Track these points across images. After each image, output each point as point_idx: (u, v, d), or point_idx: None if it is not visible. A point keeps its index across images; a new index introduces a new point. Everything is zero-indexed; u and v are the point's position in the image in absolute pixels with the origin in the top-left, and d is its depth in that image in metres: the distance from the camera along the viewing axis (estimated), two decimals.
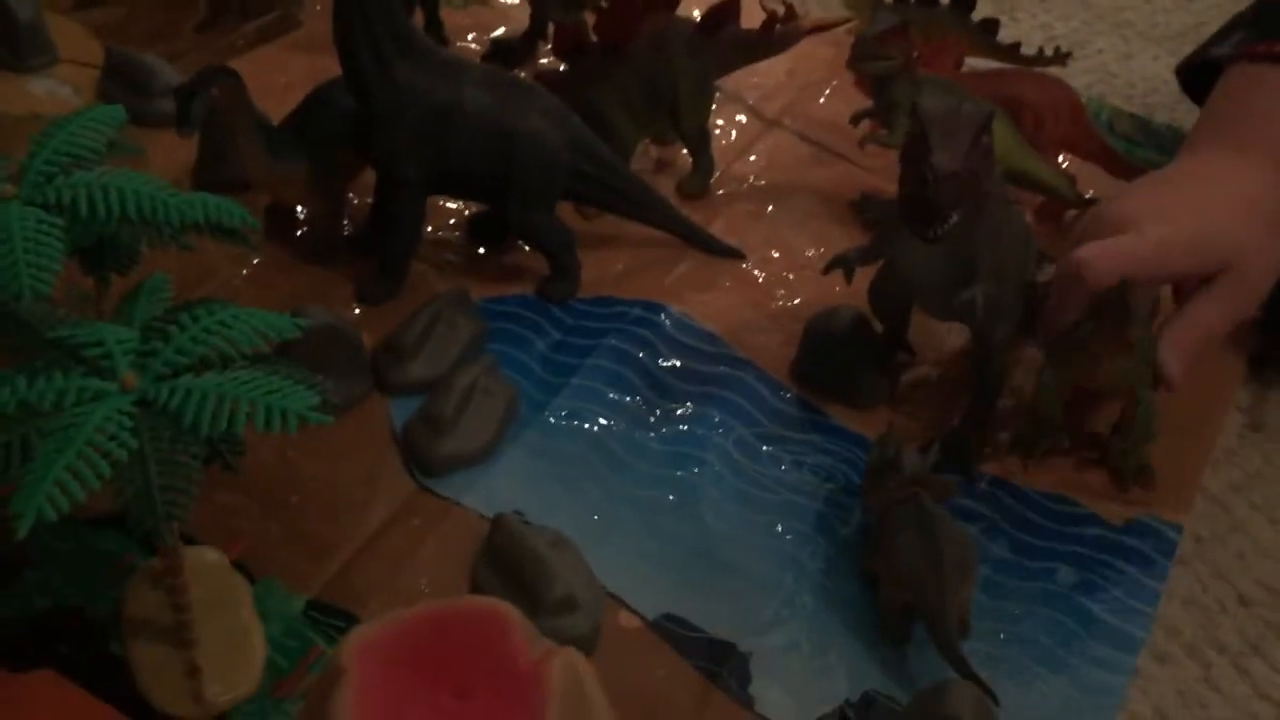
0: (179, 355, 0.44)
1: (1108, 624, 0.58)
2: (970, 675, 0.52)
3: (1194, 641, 0.59)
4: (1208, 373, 0.68)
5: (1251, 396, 0.73)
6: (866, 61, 0.76)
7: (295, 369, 0.47)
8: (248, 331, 0.46)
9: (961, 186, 0.54)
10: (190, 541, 0.58)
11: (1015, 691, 0.55)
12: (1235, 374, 0.74)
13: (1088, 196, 0.81)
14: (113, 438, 0.40)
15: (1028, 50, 0.89)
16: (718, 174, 0.86)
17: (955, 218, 0.55)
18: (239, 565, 0.57)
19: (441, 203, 0.80)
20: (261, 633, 0.55)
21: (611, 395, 0.68)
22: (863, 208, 0.83)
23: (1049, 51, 0.89)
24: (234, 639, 0.54)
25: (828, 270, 0.65)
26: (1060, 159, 0.84)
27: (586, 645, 0.55)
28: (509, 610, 0.41)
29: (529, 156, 0.70)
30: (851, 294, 0.69)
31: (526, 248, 0.77)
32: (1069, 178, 0.80)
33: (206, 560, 0.57)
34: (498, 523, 0.58)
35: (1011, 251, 0.63)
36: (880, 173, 0.86)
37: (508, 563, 0.56)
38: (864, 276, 0.68)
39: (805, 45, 0.86)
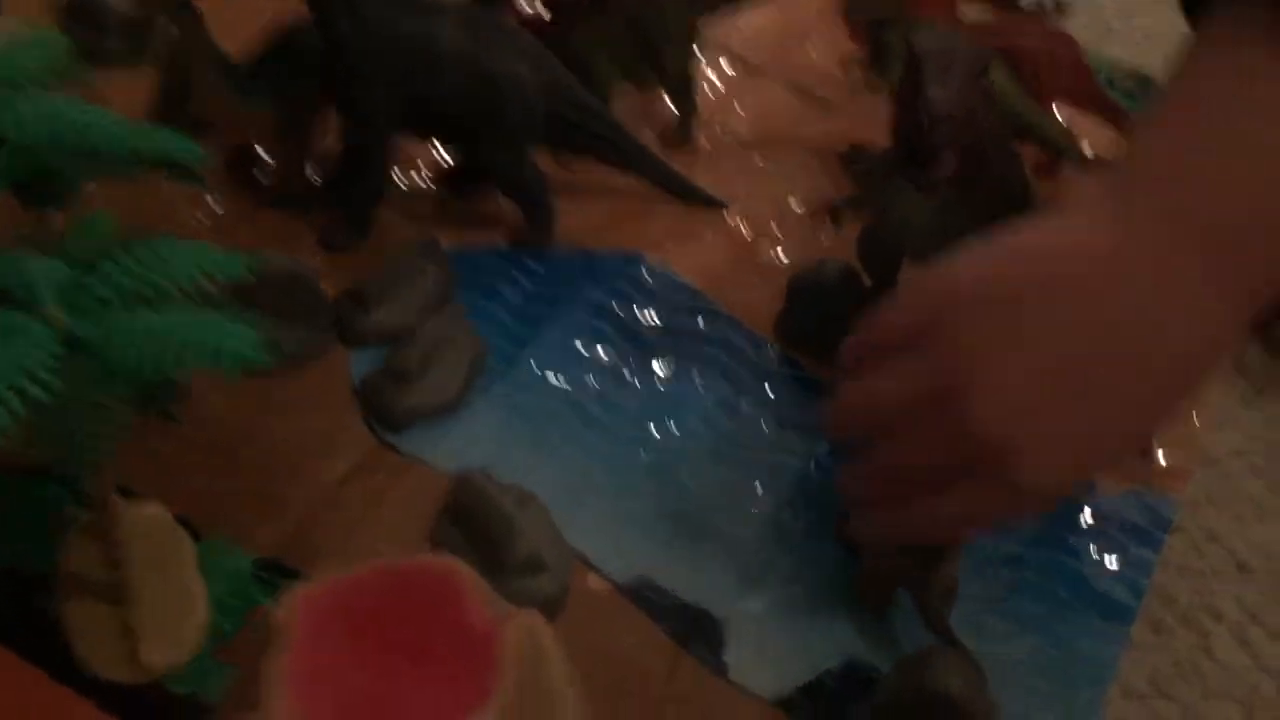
0: (110, 291, 0.41)
1: (1101, 592, 0.56)
2: (955, 645, 0.50)
3: (1190, 610, 0.56)
4: None
5: (1254, 359, 0.70)
6: (859, 6, 0.72)
7: (241, 310, 0.43)
8: (188, 268, 0.42)
9: (958, 128, 0.51)
10: (132, 495, 0.54)
11: (1004, 661, 0.52)
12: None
13: (1088, 154, 0.78)
14: (32, 376, 0.37)
15: (1026, 3, 0.86)
16: (702, 122, 0.82)
17: (951, 163, 0.51)
18: (184, 521, 0.53)
19: (414, 152, 0.76)
20: (204, 593, 0.51)
21: (586, 349, 0.65)
22: (852, 160, 0.80)
23: (1048, 3, 0.85)
24: (174, 599, 0.51)
25: (815, 217, 0.61)
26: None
27: (553, 608, 0.52)
28: (463, 570, 0.38)
29: (505, 99, 0.66)
30: (840, 249, 0.66)
31: (500, 197, 0.73)
32: (1068, 132, 0.77)
33: (148, 515, 0.53)
34: (462, 479, 0.54)
35: (1012, 206, 0.59)
36: (871, 125, 0.82)
37: (471, 521, 0.53)
38: (853, 229, 0.65)
39: None
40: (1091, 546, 0.58)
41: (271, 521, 0.55)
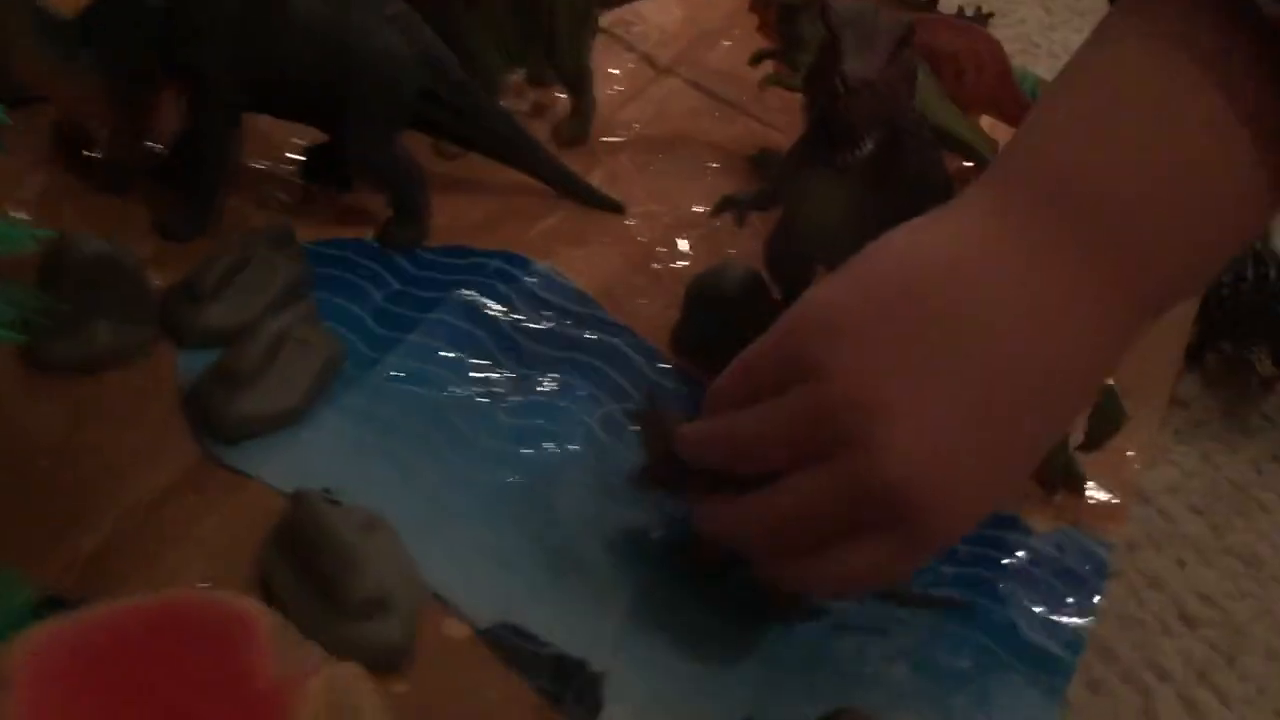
0: None
1: (1032, 643, 0.49)
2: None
3: (1132, 666, 0.50)
4: (1141, 366, 0.60)
5: (1189, 390, 0.65)
6: None
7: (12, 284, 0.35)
8: None
9: (877, 101, 0.45)
10: None
11: None
12: (1171, 366, 0.66)
13: None
14: None
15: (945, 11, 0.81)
16: (600, 119, 0.75)
17: (869, 144, 0.45)
18: None
19: (269, 132, 0.68)
20: None
21: (457, 357, 0.57)
22: (762, 164, 0.74)
23: (969, 10, 0.80)
24: None
25: (715, 213, 0.55)
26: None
27: (398, 658, 0.44)
28: (253, 609, 0.30)
29: (369, 70, 0.58)
30: (748, 257, 0.59)
31: (368, 188, 0.65)
32: (991, 140, 0.71)
33: None
34: (297, 498, 0.46)
35: (932, 202, 0.53)
36: (782, 129, 0.76)
37: (305, 550, 0.45)
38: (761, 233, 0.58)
39: None
40: (1019, 591, 0.51)
41: (67, 544, 0.46)
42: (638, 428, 0.49)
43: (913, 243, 0.41)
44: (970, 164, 0.72)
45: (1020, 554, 0.53)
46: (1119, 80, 0.40)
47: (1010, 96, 0.72)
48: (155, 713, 0.27)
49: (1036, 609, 0.51)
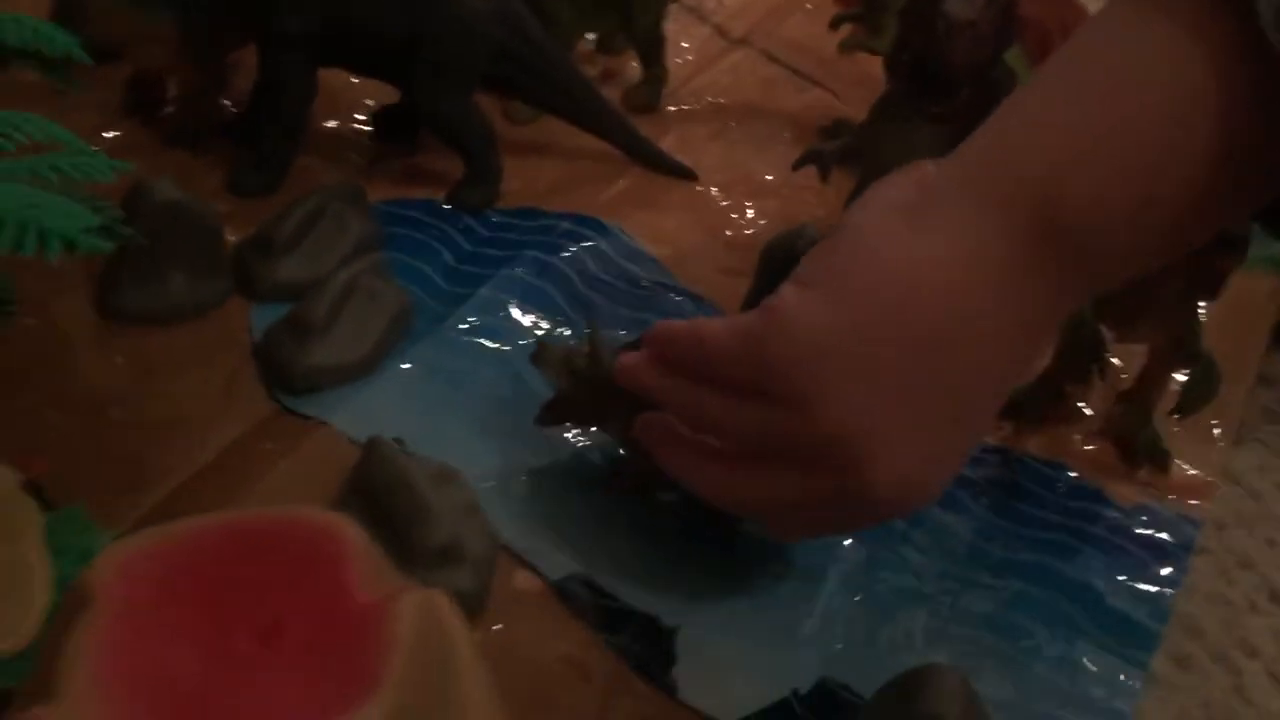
0: None
1: (1118, 614, 0.48)
2: None
3: (1221, 644, 0.48)
4: (1228, 345, 0.58)
5: (1278, 369, 0.63)
6: None
7: (84, 198, 0.34)
8: (19, 140, 0.34)
9: (977, 43, 0.43)
10: None
11: (1006, 686, 0.44)
12: (1258, 344, 0.64)
13: None
14: None
15: None
16: (672, 88, 0.74)
17: (965, 89, 0.44)
18: (34, 488, 0.44)
19: (342, 91, 0.68)
20: (48, 572, 0.42)
21: (528, 312, 0.56)
22: (834, 134, 0.72)
23: None
24: (8, 577, 0.41)
25: (799, 165, 0.53)
26: None
27: (469, 608, 0.43)
28: (344, 526, 0.29)
29: (445, 23, 0.57)
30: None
31: (439, 150, 0.64)
32: None
33: None
34: (370, 446, 0.45)
35: None
36: (854, 101, 0.75)
37: (378, 497, 0.44)
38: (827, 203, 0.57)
39: None
40: (1103, 559, 0.50)
41: (139, 492, 0.46)
42: (540, 364, 0.48)
43: (904, 260, 0.38)
44: None
45: (1104, 525, 0.51)
46: (1110, 78, 0.38)
47: None
48: (245, 627, 0.27)
49: (1120, 578, 0.49)
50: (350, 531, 0.29)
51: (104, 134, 0.62)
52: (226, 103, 0.65)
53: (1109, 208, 0.37)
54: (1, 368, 0.49)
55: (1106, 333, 0.55)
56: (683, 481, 0.43)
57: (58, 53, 0.43)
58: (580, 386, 0.47)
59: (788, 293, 0.39)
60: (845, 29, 0.71)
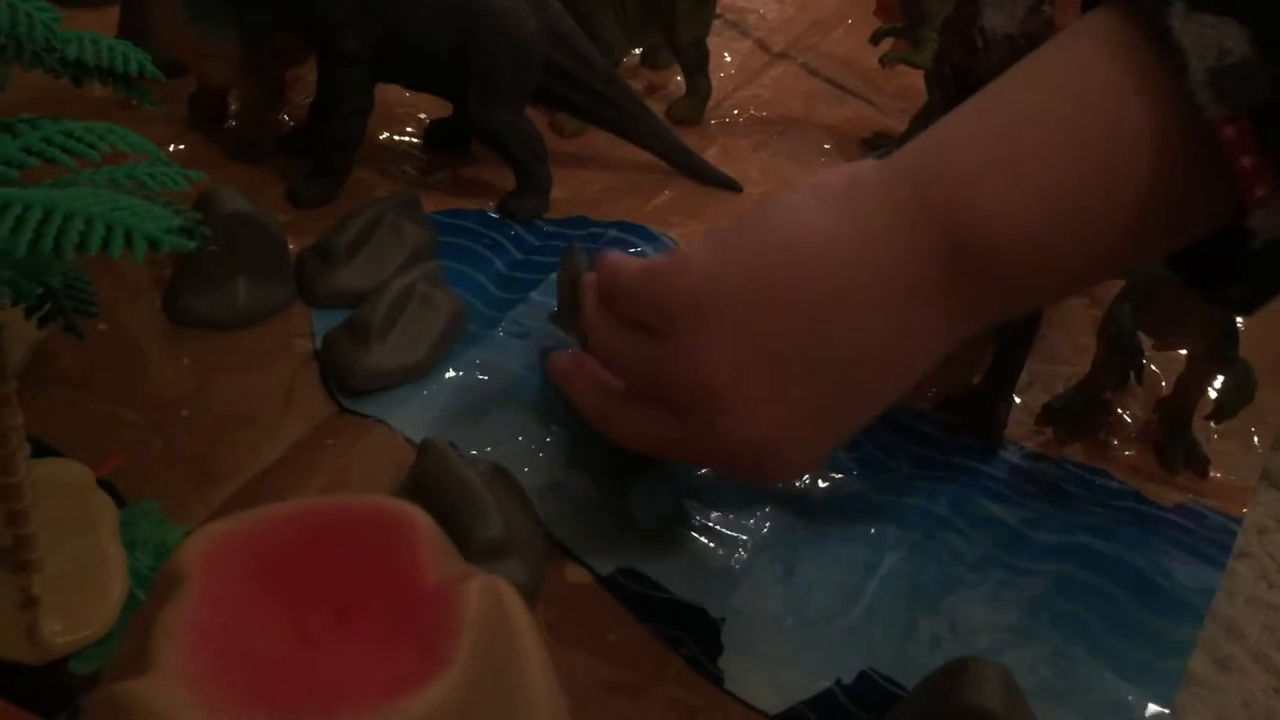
0: (4, 166, 0.34)
1: (1158, 601, 0.49)
2: None
3: (1261, 646, 0.49)
4: (1265, 350, 0.59)
5: None
6: None
7: (165, 202, 0.36)
8: (103, 149, 0.36)
9: (1015, 56, 0.44)
10: (51, 452, 0.47)
11: (1047, 675, 0.45)
12: None
13: None
14: None
15: None
16: (715, 102, 0.76)
17: None
18: (108, 484, 0.47)
19: (395, 106, 0.70)
20: (123, 565, 0.44)
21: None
22: (875, 146, 0.74)
23: None
24: (87, 570, 0.44)
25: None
26: None
27: (523, 599, 0.44)
28: (413, 513, 0.31)
29: (496, 39, 0.59)
30: None
31: (489, 162, 0.66)
32: None
33: (64, 474, 0.46)
34: (426, 446, 0.47)
35: None
36: (895, 114, 0.76)
37: (434, 494, 0.46)
38: None
39: None
40: (1144, 550, 0.51)
41: (208, 489, 0.48)
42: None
43: (801, 228, 0.40)
44: None
45: (1144, 525, 0.52)
46: (1064, 109, 0.38)
47: None
48: (322, 607, 0.28)
49: (1161, 565, 0.50)
50: (419, 519, 0.31)
51: (170, 146, 0.65)
52: (285, 117, 0.67)
53: (1016, 225, 0.38)
54: (77, 370, 0.51)
55: (1145, 339, 0.56)
56: (582, 410, 0.47)
57: (131, 69, 0.45)
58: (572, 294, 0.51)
59: (697, 242, 0.42)
60: (886, 43, 0.72)
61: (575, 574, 0.47)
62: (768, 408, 0.40)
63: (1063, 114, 0.38)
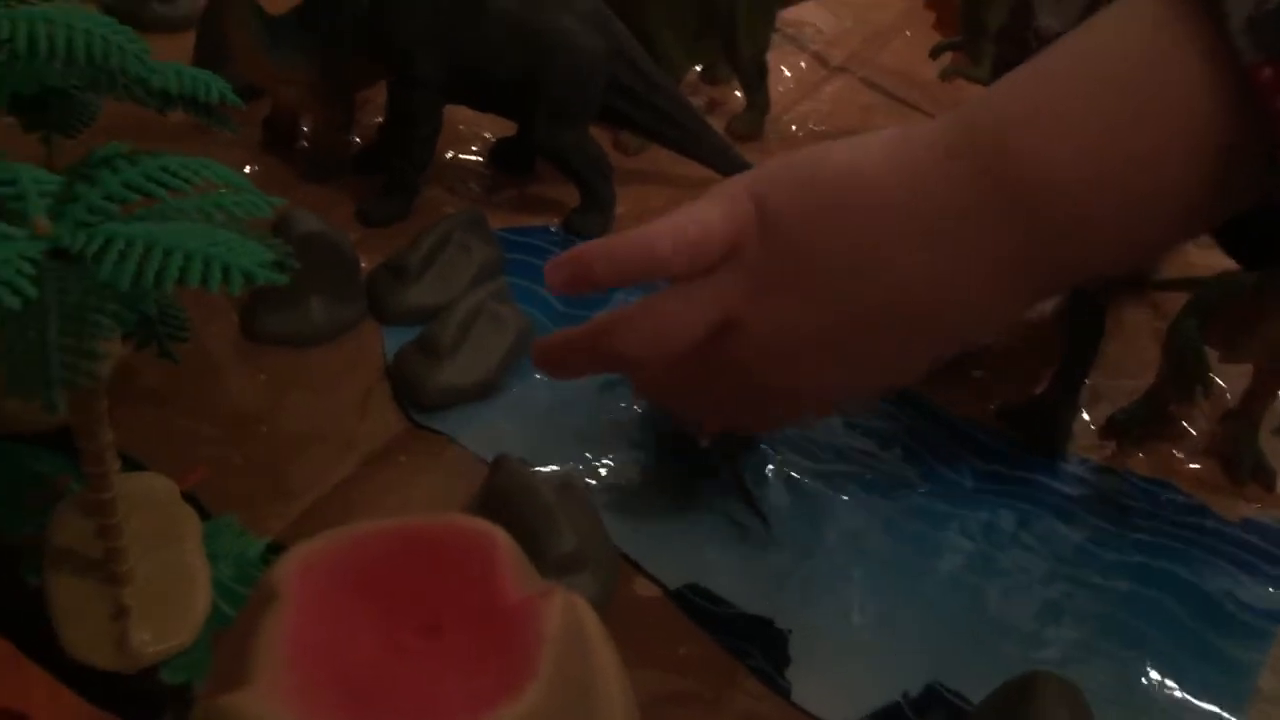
0: (106, 201, 0.35)
1: (1226, 623, 0.49)
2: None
3: None
4: None
5: None
6: None
7: (251, 231, 0.38)
8: (197, 183, 0.37)
9: None
10: (137, 467, 0.49)
11: (1114, 688, 0.46)
12: None
13: None
14: (6, 283, 0.32)
15: None
16: (774, 116, 0.77)
17: None
18: (192, 498, 0.48)
19: (461, 126, 0.71)
20: (208, 576, 0.46)
21: None
22: None
23: None
24: (174, 581, 0.45)
25: None
26: None
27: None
28: (495, 532, 0.32)
29: (560, 60, 0.61)
30: None
31: (554, 179, 0.67)
32: None
33: (152, 488, 0.48)
34: (498, 463, 0.48)
35: None
36: None
37: (507, 509, 0.47)
38: None
39: None
40: (1211, 566, 0.51)
41: (285, 503, 0.49)
42: None
43: (847, 160, 0.42)
44: None
45: (1211, 538, 0.52)
46: (1107, 65, 0.39)
47: None
48: (412, 622, 0.30)
49: (1226, 586, 0.50)
50: (500, 537, 0.32)
51: (245, 168, 0.67)
52: (354, 138, 0.69)
53: (1058, 171, 0.38)
54: (159, 387, 0.53)
55: (1211, 352, 0.55)
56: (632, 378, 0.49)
57: (212, 98, 0.47)
58: None
59: (768, 164, 0.45)
60: (946, 57, 0.73)
61: (644, 588, 0.48)
62: (799, 335, 0.42)
63: (1106, 68, 0.38)
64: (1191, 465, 0.57)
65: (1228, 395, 0.59)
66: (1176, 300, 0.56)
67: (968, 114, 0.41)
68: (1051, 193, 0.39)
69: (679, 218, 0.44)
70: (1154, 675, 0.46)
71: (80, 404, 0.38)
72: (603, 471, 0.52)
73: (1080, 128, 0.38)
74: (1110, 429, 0.58)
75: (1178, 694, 0.46)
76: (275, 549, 0.47)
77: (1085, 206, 0.39)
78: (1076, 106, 0.38)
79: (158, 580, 0.45)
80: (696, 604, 0.47)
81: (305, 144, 0.68)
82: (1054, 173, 0.38)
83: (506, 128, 0.68)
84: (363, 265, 0.59)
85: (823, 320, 0.42)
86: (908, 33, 0.88)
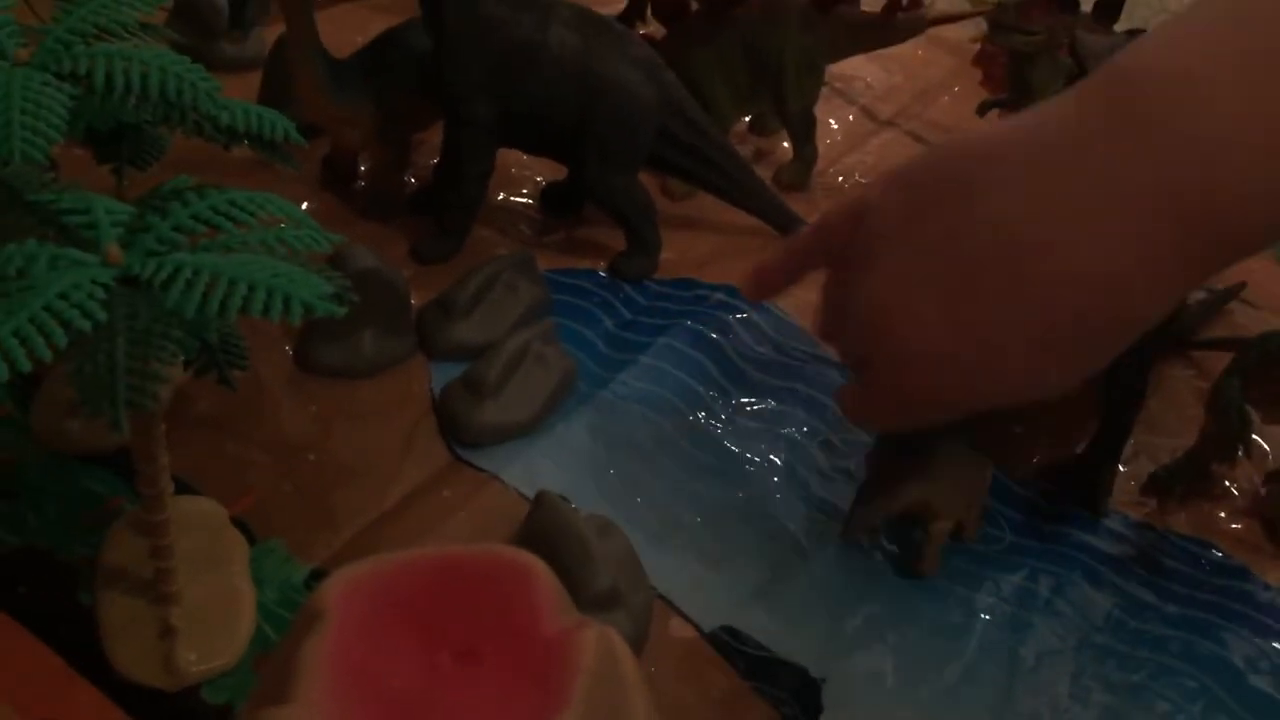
0: (175, 232, 0.37)
1: (1259, 693, 0.48)
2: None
3: None
4: None
5: None
6: (1007, 33, 0.67)
7: (309, 264, 0.39)
8: (260, 216, 0.39)
9: None
10: (189, 491, 0.51)
11: None
12: None
13: None
14: (78, 306, 0.33)
15: None
16: (821, 168, 0.78)
17: None
18: (240, 523, 0.50)
19: (513, 169, 0.73)
20: (253, 599, 0.47)
21: (683, 379, 0.60)
22: None
23: None
24: (220, 603, 0.46)
25: None
26: None
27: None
28: (535, 564, 0.33)
29: (613, 108, 0.62)
30: None
31: (601, 223, 0.69)
32: None
33: (202, 511, 0.49)
34: (539, 500, 0.49)
35: None
36: None
37: (546, 546, 0.47)
38: None
39: (925, 50, 0.79)
40: (1246, 637, 0.50)
41: (330, 531, 0.50)
42: None
43: (993, 132, 0.38)
44: None
45: (1250, 603, 0.52)
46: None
47: None
48: (451, 648, 0.30)
49: (1263, 657, 0.50)
50: (539, 568, 0.33)
51: (304, 204, 0.68)
52: (410, 178, 0.71)
53: (1196, 85, 0.33)
54: (213, 413, 0.55)
55: (1253, 413, 0.55)
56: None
57: (276, 135, 0.49)
58: None
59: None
60: (992, 115, 0.73)
61: (679, 628, 0.48)
62: (945, 320, 0.37)
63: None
64: (1233, 525, 0.57)
65: (1269, 457, 0.59)
66: (1218, 359, 0.56)
67: (1104, 70, 0.36)
68: (1189, 106, 0.33)
69: None
70: None
71: (141, 426, 0.40)
72: (643, 512, 0.52)
73: (1220, 40, 0.33)
74: (1152, 486, 0.58)
75: None
76: (319, 575, 0.48)
77: (1230, 122, 0.32)
78: (1219, 30, 0.33)
79: (205, 602, 0.46)
80: (731, 646, 0.47)
81: (363, 183, 0.70)
82: (1191, 88, 0.33)
83: (557, 171, 0.70)
84: (414, 302, 0.61)
85: (932, 265, 0.37)
86: (956, 89, 0.89)
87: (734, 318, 0.64)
